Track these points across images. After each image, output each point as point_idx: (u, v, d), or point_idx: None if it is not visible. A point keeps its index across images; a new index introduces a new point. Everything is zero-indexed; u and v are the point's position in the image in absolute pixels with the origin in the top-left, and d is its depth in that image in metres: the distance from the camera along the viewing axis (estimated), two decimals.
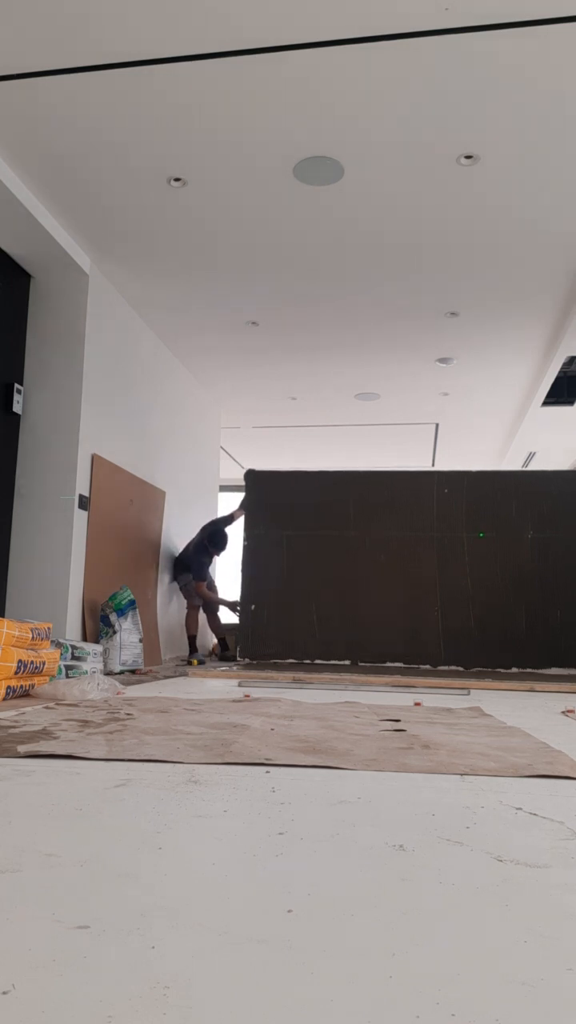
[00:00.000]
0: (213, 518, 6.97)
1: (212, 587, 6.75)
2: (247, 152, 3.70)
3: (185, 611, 6.71)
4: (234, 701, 3.28)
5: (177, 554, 6.57)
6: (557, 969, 0.79)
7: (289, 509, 6.23)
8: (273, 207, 4.19)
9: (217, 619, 6.81)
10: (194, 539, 6.57)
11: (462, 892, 1.01)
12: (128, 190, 4.05)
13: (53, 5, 2.80)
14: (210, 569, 6.66)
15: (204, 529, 6.56)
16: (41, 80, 3.21)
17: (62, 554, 4.55)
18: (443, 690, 4.17)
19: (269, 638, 6.01)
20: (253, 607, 6.10)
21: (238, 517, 6.69)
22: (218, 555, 6.65)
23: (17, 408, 4.65)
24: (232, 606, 6.64)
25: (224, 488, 9.00)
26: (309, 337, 6.03)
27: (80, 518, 4.67)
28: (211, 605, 6.73)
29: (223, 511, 7.34)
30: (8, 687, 3.19)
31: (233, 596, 6.62)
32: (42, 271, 4.74)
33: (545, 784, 1.69)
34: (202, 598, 6.52)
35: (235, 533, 6.63)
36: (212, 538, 6.41)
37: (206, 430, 7.65)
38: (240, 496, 6.66)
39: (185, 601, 6.70)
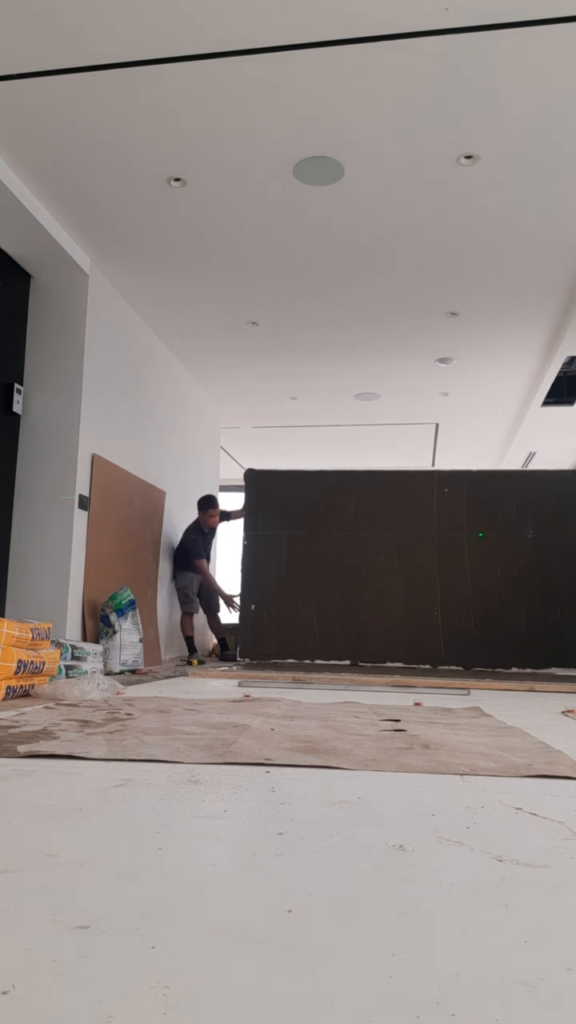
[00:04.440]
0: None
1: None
2: (247, 152, 3.70)
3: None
4: (234, 701, 3.28)
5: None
6: (557, 969, 0.79)
7: (289, 509, 6.23)
8: (273, 207, 4.19)
9: (217, 619, 6.81)
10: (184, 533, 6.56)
11: (462, 892, 1.01)
12: (128, 190, 4.05)
13: (53, 5, 2.80)
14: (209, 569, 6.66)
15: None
16: (41, 80, 3.21)
17: (62, 554, 4.55)
18: (443, 690, 4.16)
19: (269, 638, 6.01)
20: (253, 607, 6.10)
21: (236, 517, 6.69)
22: (214, 519, 6.53)
23: (17, 408, 4.65)
24: (229, 600, 6.62)
25: (224, 488, 9.00)
26: (309, 337, 6.03)
27: (80, 518, 4.67)
28: (212, 606, 6.73)
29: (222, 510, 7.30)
30: (8, 687, 3.19)
31: (231, 591, 6.62)
32: (42, 271, 4.74)
33: (545, 784, 1.69)
34: (202, 573, 6.46)
35: (235, 533, 6.62)
36: (201, 503, 6.42)
37: (206, 430, 7.64)
38: (240, 496, 6.66)
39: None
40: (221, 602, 6.79)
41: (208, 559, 6.62)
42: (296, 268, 4.89)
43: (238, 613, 6.32)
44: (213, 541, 6.88)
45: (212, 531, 6.68)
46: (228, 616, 6.81)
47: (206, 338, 6.10)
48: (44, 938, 0.84)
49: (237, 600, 6.42)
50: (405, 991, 0.73)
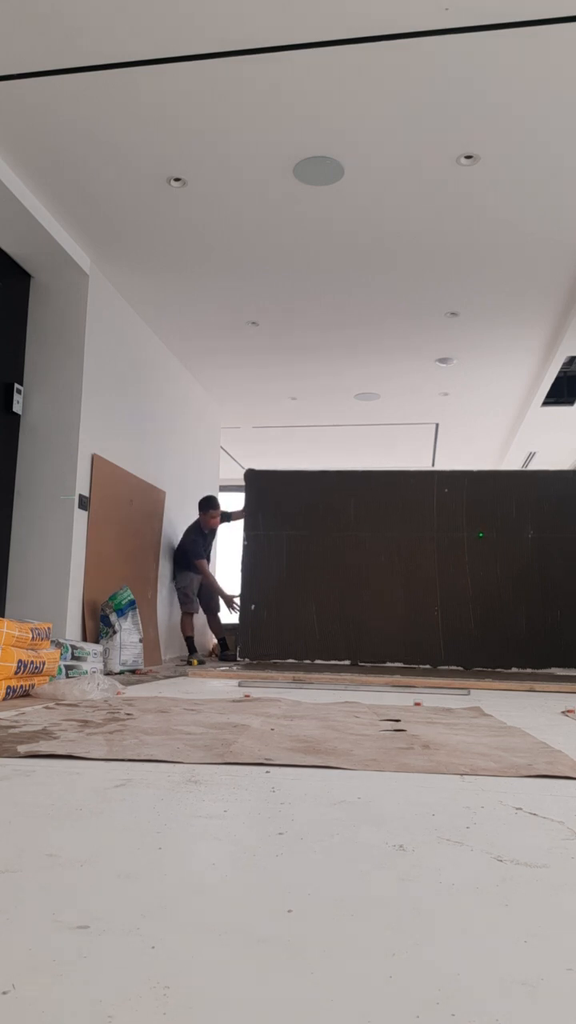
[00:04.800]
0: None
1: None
2: (247, 152, 3.70)
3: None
4: (234, 701, 3.28)
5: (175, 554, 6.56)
6: (557, 969, 0.79)
7: (289, 509, 6.23)
8: (273, 207, 4.19)
9: (217, 619, 6.81)
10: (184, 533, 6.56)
11: (462, 892, 1.01)
12: (128, 190, 4.05)
13: (53, 5, 2.80)
14: (209, 568, 6.65)
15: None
16: (41, 80, 3.21)
17: (62, 554, 4.55)
18: (443, 690, 4.16)
19: (269, 638, 6.01)
20: (253, 607, 6.10)
21: (237, 518, 6.69)
22: (214, 520, 6.52)
23: (17, 408, 4.65)
24: (229, 600, 6.62)
25: (224, 488, 9.00)
26: (309, 337, 6.03)
27: (80, 518, 4.67)
28: (212, 606, 6.73)
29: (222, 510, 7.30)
30: (8, 687, 3.19)
31: (231, 591, 6.62)
32: (42, 271, 4.74)
33: (545, 784, 1.69)
34: (203, 574, 6.47)
35: (235, 533, 6.61)
36: (202, 504, 6.43)
37: (206, 430, 7.64)
38: (240, 496, 6.66)
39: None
40: (221, 602, 6.79)
41: (208, 559, 6.62)
42: (296, 268, 4.89)
43: (238, 613, 6.31)
44: (213, 542, 6.88)
45: (212, 532, 6.68)
46: (228, 616, 6.82)
47: (206, 338, 6.10)
48: (44, 938, 0.84)
49: (237, 600, 6.42)
50: (405, 991, 0.73)
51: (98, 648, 4.38)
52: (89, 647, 4.26)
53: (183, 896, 0.98)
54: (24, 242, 4.39)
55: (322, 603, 6.03)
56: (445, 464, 9.80)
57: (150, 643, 5.59)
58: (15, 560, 4.58)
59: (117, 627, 4.72)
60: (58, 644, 4.04)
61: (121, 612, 4.77)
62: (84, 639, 4.64)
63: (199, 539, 6.45)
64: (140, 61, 3.09)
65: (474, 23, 2.85)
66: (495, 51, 3.00)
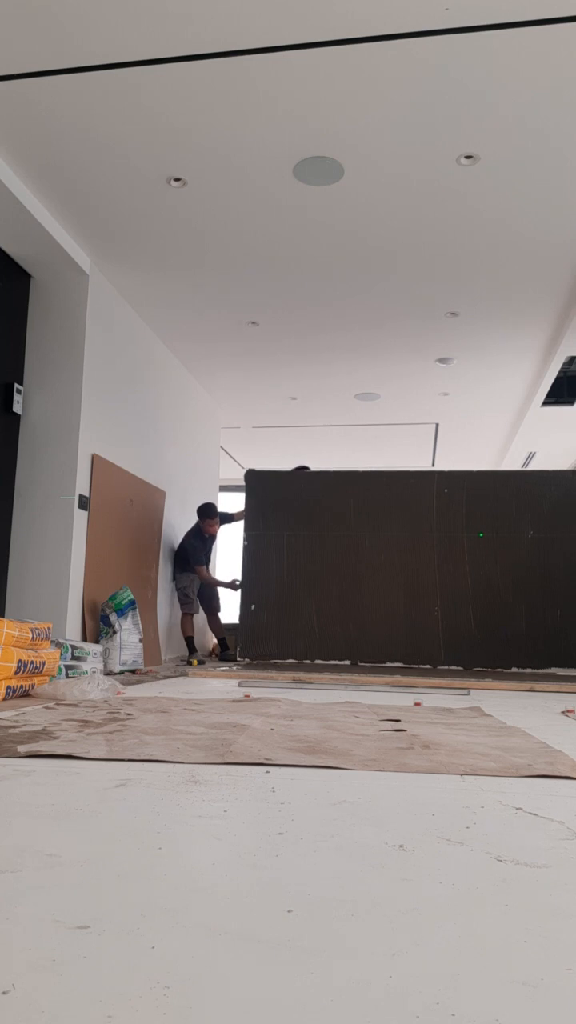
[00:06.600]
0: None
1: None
2: (247, 152, 3.70)
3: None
4: (234, 701, 3.28)
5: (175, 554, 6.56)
6: (557, 969, 0.79)
7: (289, 509, 6.23)
8: (273, 207, 4.19)
9: (217, 619, 6.81)
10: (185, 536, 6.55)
11: (462, 892, 1.01)
12: (128, 190, 4.05)
13: (53, 5, 2.80)
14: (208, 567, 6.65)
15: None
16: (41, 80, 3.21)
17: (62, 554, 4.55)
18: (443, 690, 4.16)
19: (269, 638, 6.01)
20: (253, 607, 6.10)
21: (238, 519, 6.69)
22: (213, 528, 6.51)
23: (17, 408, 4.65)
24: (231, 585, 6.58)
25: (224, 488, 9.00)
26: (309, 337, 6.03)
27: (80, 518, 4.67)
28: (212, 606, 6.73)
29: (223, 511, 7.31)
30: (8, 687, 3.19)
31: (230, 586, 6.62)
32: (42, 271, 4.74)
33: (545, 784, 1.69)
34: (203, 580, 6.46)
35: (235, 534, 6.61)
36: (200, 511, 6.41)
37: (206, 430, 7.64)
38: (240, 496, 6.65)
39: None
40: (221, 594, 6.77)
41: (208, 565, 6.61)
42: (296, 268, 4.89)
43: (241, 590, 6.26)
44: (214, 546, 6.87)
45: (212, 537, 6.67)
46: (228, 615, 6.81)
47: (206, 338, 6.10)
48: (44, 938, 0.84)
49: (237, 579, 6.36)
50: (405, 991, 0.73)
51: (98, 648, 4.38)
52: (89, 647, 4.26)
53: (183, 896, 0.98)
54: (24, 242, 4.39)
55: (322, 603, 6.03)
56: (445, 464, 9.80)
57: (150, 643, 5.59)
58: (15, 560, 4.58)
59: (117, 627, 4.72)
60: (58, 644, 4.04)
61: (121, 612, 4.77)
62: (84, 639, 4.64)
63: (199, 543, 6.43)
64: (140, 61, 3.09)
65: (474, 23, 2.85)
66: (495, 51, 3.00)
